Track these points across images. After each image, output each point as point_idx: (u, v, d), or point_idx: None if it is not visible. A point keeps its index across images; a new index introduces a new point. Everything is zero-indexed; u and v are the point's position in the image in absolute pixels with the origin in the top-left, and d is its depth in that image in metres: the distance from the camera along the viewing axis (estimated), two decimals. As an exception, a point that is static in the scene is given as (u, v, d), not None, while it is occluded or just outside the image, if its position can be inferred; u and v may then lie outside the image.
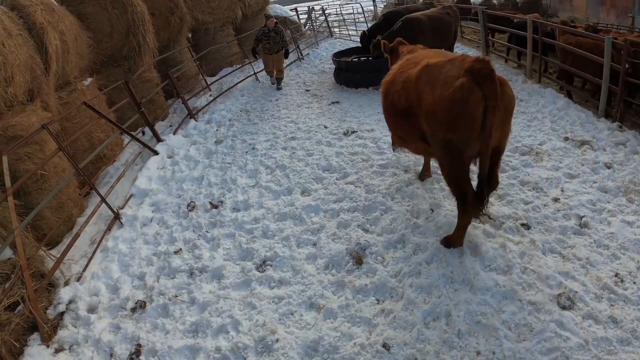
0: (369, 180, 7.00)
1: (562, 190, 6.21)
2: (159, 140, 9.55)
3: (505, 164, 6.96)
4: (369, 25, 16.00)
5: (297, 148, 8.66)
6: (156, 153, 8.93)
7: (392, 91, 4.80)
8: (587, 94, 9.92)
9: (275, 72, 12.91)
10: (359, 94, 11.57)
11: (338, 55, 13.23)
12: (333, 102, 11.13)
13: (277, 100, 12.02)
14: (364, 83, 11.80)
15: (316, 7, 21.51)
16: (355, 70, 11.93)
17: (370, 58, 12.42)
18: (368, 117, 9.79)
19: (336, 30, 20.80)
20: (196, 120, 10.93)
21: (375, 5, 25.35)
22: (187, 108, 11.19)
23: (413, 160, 7.37)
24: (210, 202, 7.10)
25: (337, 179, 7.25)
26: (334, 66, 12.98)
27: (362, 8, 19.70)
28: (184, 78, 13.49)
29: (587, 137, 7.69)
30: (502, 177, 6.48)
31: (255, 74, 13.96)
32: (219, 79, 14.14)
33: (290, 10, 21.84)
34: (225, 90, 13.13)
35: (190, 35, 15.82)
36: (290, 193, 7.06)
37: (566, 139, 7.80)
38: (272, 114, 10.88)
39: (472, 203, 4.29)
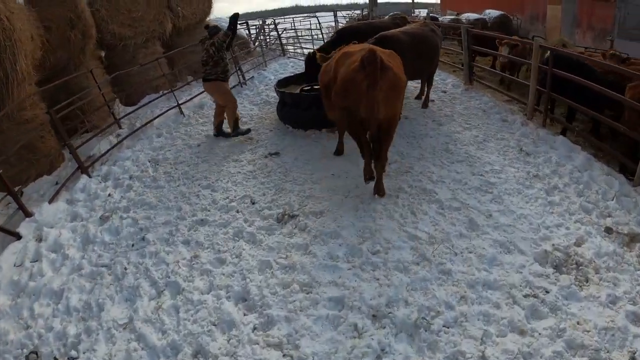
0: (309, 341, 3.90)
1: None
2: (26, 214, 6.36)
3: (536, 293, 4.39)
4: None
5: (203, 245, 5.54)
6: (18, 237, 5.95)
7: (324, 72, 6.75)
8: (615, 148, 7.12)
9: (216, 115, 9.19)
10: (308, 141, 8.38)
11: (284, 84, 9.92)
12: (271, 154, 7.90)
13: (198, 146, 8.77)
14: (316, 123, 8.69)
15: (268, 21, 18.36)
16: (305, 105, 8.68)
17: None
18: (317, 184, 6.64)
19: (290, 48, 17.51)
20: (89, 176, 7.83)
21: (336, 21, 22.19)
22: (76, 159, 7.88)
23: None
24: (55, 358, 4.18)
25: (254, 329, 4.17)
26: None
27: (319, 23, 16.35)
28: (90, 109, 10.19)
29: (634, 225, 5.25)
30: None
31: (179, 105, 10.60)
32: (135, 110, 10.72)
33: (239, 23, 18.58)
34: (138, 129, 9.84)
35: (104, 53, 12.44)
36: (174, 355, 3.99)
37: (608, 230, 5.23)
38: (186, 171, 7.67)
39: (362, 146, 6.06)
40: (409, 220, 5.53)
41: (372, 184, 6.11)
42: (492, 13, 28.33)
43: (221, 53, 8.30)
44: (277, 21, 18.22)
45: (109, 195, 7.14)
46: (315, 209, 5.92)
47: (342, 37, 9.58)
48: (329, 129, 8.56)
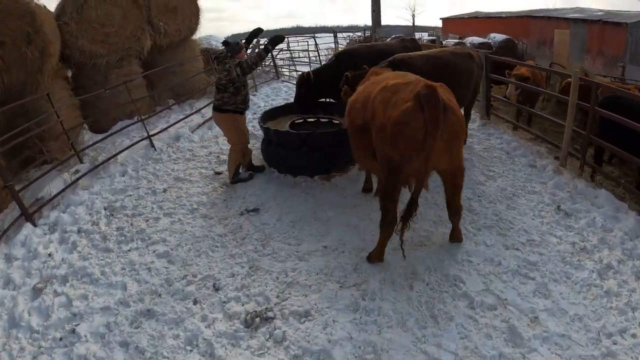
0: None
1: None
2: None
3: None
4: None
5: (145, 354, 3.90)
6: None
7: (354, 109, 5.03)
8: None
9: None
10: (296, 192, 6.72)
11: (270, 116, 8.09)
12: (248, 210, 6.21)
13: (164, 192, 7.12)
14: (307, 169, 7.00)
15: (262, 40, 16.78)
16: (294, 145, 6.90)
17: (322, 119, 7.99)
18: (303, 261, 4.99)
19: (285, 70, 15.91)
20: (35, 224, 6.23)
21: (336, 42, 20.68)
22: (19, 205, 6.27)
23: None
24: None
25: None
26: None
27: (315, 44, 14.71)
28: (48, 138, 8.61)
29: None
30: None
31: (149, 137, 8.97)
32: (102, 139, 9.09)
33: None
34: (99, 164, 8.17)
35: (71, 73, 10.85)
36: None
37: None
38: (142, 229, 6.01)
39: (391, 222, 4.47)
40: (428, 330, 3.87)
41: (378, 265, 4.71)
42: (497, 37, 27.36)
43: (245, 78, 6.68)
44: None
45: (50, 255, 5.56)
46: (298, 306, 4.24)
47: (340, 62, 8.13)
48: (323, 176, 6.95)
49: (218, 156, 8.37)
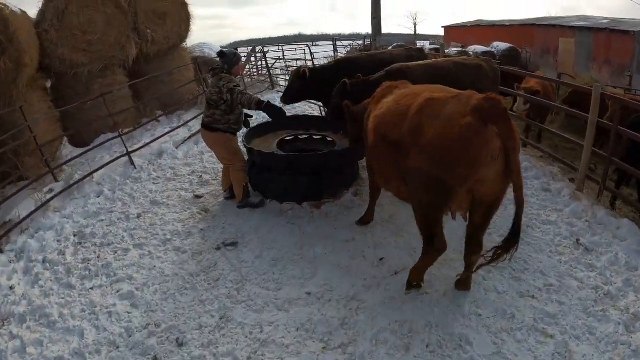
0: None
1: None
2: None
3: None
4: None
5: None
6: None
7: (384, 123, 4.33)
8: None
9: (225, 175, 6.66)
10: (281, 221, 5.98)
11: (258, 133, 7.29)
12: (226, 244, 5.46)
13: (138, 217, 6.40)
14: (295, 195, 6.28)
15: (258, 49, 16.07)
16: (280, 167, 6.20)
17: (314, 137, 7.32)
18: (282, 312, 4.28)
19: (281, 80, 15.11)
20: (1, 250, 5.66)
21: (335, 51, 19.97)
22: None
23: None
24: None
25: None
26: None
27: (311, 53, 13.89)
28: (24, 153, 8.04)
29: None
30: None
31: (128, 154, 8.26)
32: (81, 155, 8.40)
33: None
34: (74, 184, 7.48)
35: (50, 83, 10.18)
36: None
37: None
38: (108, 263, 5.29)
39: (440, 247, 4.03)
40: (429, 411, 3.15)
41: (370, 317, 4.03)
42: (500, 46, 27.03)
43: (232, 102, 5.89)
44: (267, 50, 15.89)
45: (12, 288, 4.94)
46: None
47: (340, 68, 7.51)
48: (313, 203, 6.23)
49: (201, 176, 7.66)
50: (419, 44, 26.07)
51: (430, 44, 31.22)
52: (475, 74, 6.78)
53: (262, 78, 13.90)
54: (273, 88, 13.38)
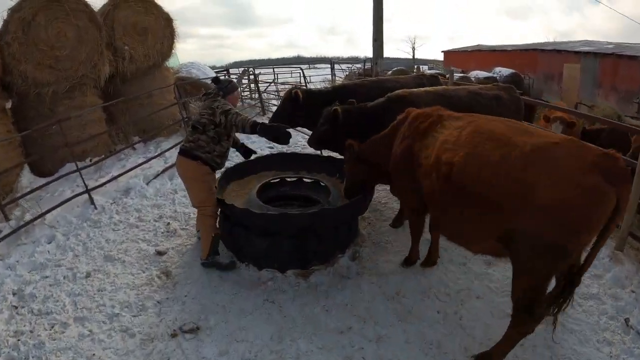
0: None
1: None
2: None
3: None
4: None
5: None
6: None
7: (463, 172, 3.58)
8: None
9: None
10: (256, 297, 4.67)
11: (238, 173, 6.19)
12: (183, 330, 4.15)
13: (87, 278, 5.18)
14: (278, 260, 4.99)
15: (253, 70, 14.88)
16: (258, 228, 4.95)
17: (306, 179, 6.08)
18: None
19: (274, 104, 13.56)
20: None
21: (333, 74, 18.88)
22: None
23: None
24: None
25: None
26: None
27: (304, 76, 12.58)
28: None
29: None
30: None
31: (88, 191, 7.01)
32: (41, 187, 7.17)
33: (217, 72, 15.19)
34: (24, 225, 6.29)
35: (10, 103, 8.97)
36: None
37: None
38: (40, 343, 4.11)
39: (539, 316, 3.45)
40: None
41: None
42: (502, 71, 26.05)
43: (232, 131, 5.06)
44: (259, 72, 14.71)
45: None
46: None
47: (338, 95, 6.33)
48: (300, 272, 4.96)
49: (168, 223, 6.40)
50: (422, 68, 25.20)
51: (429, 69, 30.58)
52: (493, 105, 5.78)
53: (253, 102, 12.65)
54: (264, 113, 12.12)
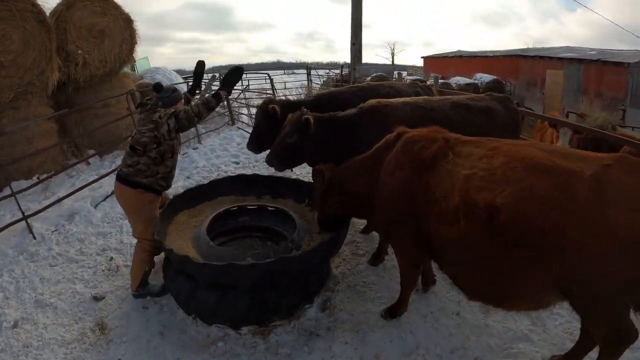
0: None
1: None
2: None
3: None
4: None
5: None
6: None
7: (524, 218, 2.77)
8: None
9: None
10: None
11: (186, 203, 5.14)
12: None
13: (14, 327, 4.26)
14: (231, 315, 3.99)
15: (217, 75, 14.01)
16: (205, 279, 3.98)
17: (269, 207, 5.12)
18: None
19: (244, 114, 12.68)
20: None
21: (309, 80, 18.09)
22: None
23: None
24: None
25: None
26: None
27: (271, 81, 11.53)
28: None
29: None
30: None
31: (25, 218, 6.07)
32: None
33: (185, 77, 14.33)
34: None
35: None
36: None
37: None
38: None
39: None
40: None
41: None
42: (483, 77, 26.18)
43: (177, 141, 4.48)
44: (216, 75, 13.81)
45: None
46: None
47: (321, 105, 5.35)
48: (257, 329, 3.96)
49: (112, 258, 5.43)
50: (402, 74, 24.76)
51: (407, 75, 30.18)
52: (484, 122, 4.81)
53: (222, 110, 11.76)
54: (233, 123, 11.19)
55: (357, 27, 12.51)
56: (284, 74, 19.72)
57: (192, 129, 9.43)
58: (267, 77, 13.59)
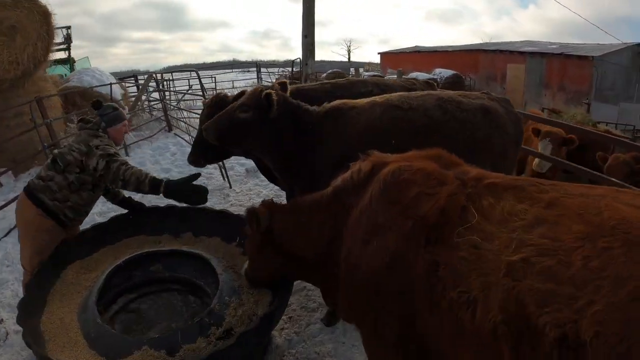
0: None
1: None
2: None
3: None
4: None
5: None
6: None
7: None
8: None
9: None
10: None
11: (75, 252, 3.66)
12: None
13: None
14: None
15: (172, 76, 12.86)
16: None
17: (185, 252, 3.76)
18: None
19: (184, 117, 10.49)
20: None
21: (259, 78, 17.15)
22: None
23: None
24: None
25: None
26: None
27: (200, 80, 10.27)
28: None
29: None
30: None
31: None
32: None
33: (121, 78, 13.09)
34: None
35: None
36: None
37: None
38: None
39: None
40: None
41: None
42: (443, 72, 26.15)
43: (106, 182, 3.74)
44: (169, 77, 12.68)
45: None
46: None
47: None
48: None
49: (2, 320, 4.05)
50: (360, 71, 24.24)
51: (364, 71, 29.80)
52: (481, 123, 3.68)
53: (159, 114, 10.60)
54: (170, 130, 9.98)
55: (309, 18, 11.59)
56: (232, 72, 18.75)
57: (131, 135, 8.40)
58: (195, 73, 12.51)
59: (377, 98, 3.86)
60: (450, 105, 3.69)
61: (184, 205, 3.78)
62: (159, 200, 5.15)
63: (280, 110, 3.47)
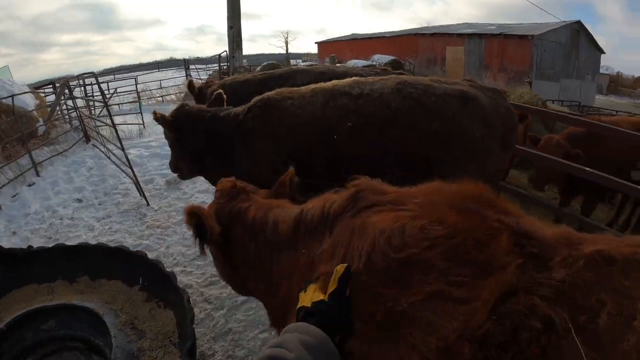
0: None
1: None
2: None
3: None
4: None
5: None
6: None
7: None
8: None
9: None
10: None
11: None
12: None
13: None
14: None
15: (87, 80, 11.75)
16: None
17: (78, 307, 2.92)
18: None
19: (104, 126, 9.38)
20: None
21: (188, 75, 16.25)
22: None
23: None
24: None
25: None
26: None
27: (98, 84, 9.22)
28: None
29: None
30: None
31: None
32: None
33: (35, 86, 12.03)
34: None
35: None
36: None
37: None
38: None
39: None
40: None
41: None
42: (381, 58, 26.09)
43: None
44: (91, 81, 11.64)
45: None
46: None
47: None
48: None
49: None
50: (297, 61, 23.63)
51: (303, 62, 29.31)
52: (456, 114, 2.96)
53: (76, 123, 9.60)
54: (88, 141, 8.96)
55: (235, 9, 10.79)
56: (158, 70, 17.80)
57: (27, 156, 7.37)
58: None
59: (324, 84, 3.26)
60: (413, 90, 3.01)
61: (76, 243, 3.08)
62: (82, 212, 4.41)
63: (183, 121, 3.02)
